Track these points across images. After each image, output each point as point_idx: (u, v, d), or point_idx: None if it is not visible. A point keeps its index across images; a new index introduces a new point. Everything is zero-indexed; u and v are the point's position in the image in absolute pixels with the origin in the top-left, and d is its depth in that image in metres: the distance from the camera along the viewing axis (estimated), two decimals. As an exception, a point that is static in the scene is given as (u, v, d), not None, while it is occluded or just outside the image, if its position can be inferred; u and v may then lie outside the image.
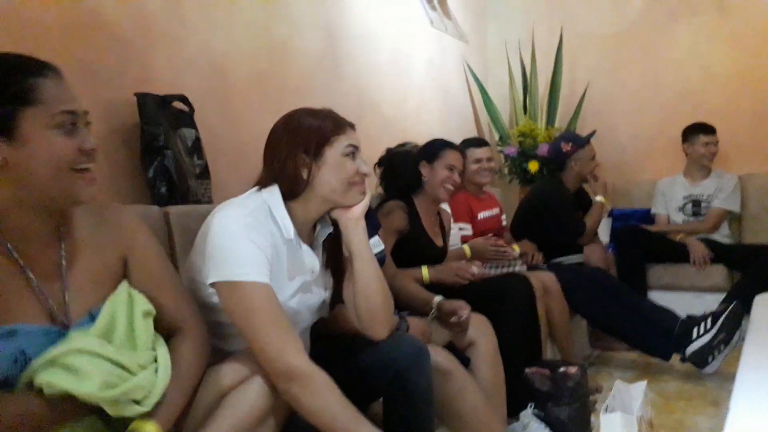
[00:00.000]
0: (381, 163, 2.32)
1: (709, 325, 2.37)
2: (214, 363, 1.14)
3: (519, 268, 2.62)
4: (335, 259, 1.36)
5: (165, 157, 1.77)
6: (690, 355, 2.36)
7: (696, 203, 3.32)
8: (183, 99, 1.88)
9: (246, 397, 1.05)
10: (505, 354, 1.79)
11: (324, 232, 1.34)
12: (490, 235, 2.58)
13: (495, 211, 2.85)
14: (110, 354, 0.92)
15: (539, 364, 1.98)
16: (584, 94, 3.89)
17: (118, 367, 0.92)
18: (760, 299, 2.24)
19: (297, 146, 1.23)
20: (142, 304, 1.04)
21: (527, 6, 4.20)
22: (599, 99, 3.93)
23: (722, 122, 3.38)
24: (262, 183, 1.26)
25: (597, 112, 3.89)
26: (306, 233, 1.30)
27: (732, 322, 2.35)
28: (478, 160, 2.71)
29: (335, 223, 1.33)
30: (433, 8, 3.61)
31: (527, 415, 1.85)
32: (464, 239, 2.59)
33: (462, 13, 4.01)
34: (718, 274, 3.00)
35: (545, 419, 1.86)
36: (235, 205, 1.21)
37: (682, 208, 3.35)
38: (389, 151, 2.38)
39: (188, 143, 1.87)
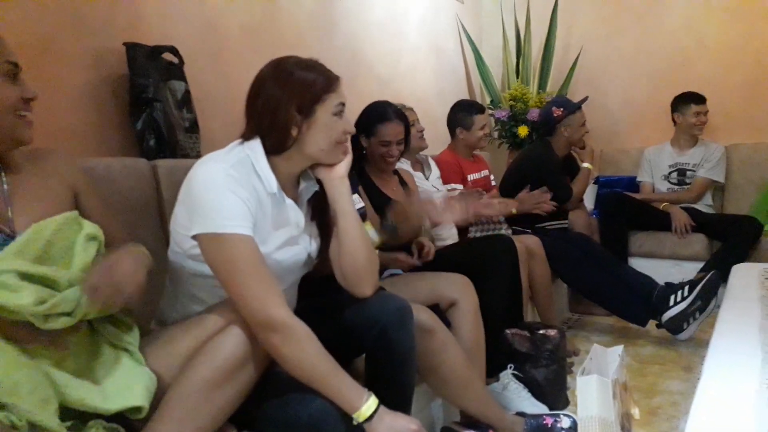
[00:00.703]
0: None
1: (686, 293, 2.43)
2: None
3: (504, 231, 2.67)
4: (321, 214, 1.36)
5: (154, 109, 1.75)
6: (666, 321, 2.43)
7: (682, 172, 3.35)
8: (173, 50, 1.85)
9: (225, 344, 1.06)
10: (487, 315, 1.82)
11: (309, 188, 1.33)
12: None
13: (484, 172, 2.89)
14: (24, 268, 0.94)
15: (519, 326, 2.02)
16: (577, 60, 3.86)
17: (42, 284, 0.95)
18: (737, 269, 2.30)
19: (289, 103, 1.20)
20: (89, 227, 1.07)
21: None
22: (592, 65, 3.91)
23: (712, 93, 3.39)
24: (247, 136, 1.24)
25: (589, 78, 3.88)
26: (289, 187, 1.29)
27: (709, 291, 2.41)
28: (483, 126, 2.77)
29: (320, 181, 1.33)
30: (430, -35, 3.53)
31: (507, 375, 1.91)
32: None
33: (458, -29, 3.94)
34: (699, 243, 3.06)
35: (523, 380, 1.92)
36: (217, 158, 1.20)
37: (667, 177, 3.38)
38: None
39: (178, 96, 1.85)
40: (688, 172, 3.33)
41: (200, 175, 1.15)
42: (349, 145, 1.31)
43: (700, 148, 3.34)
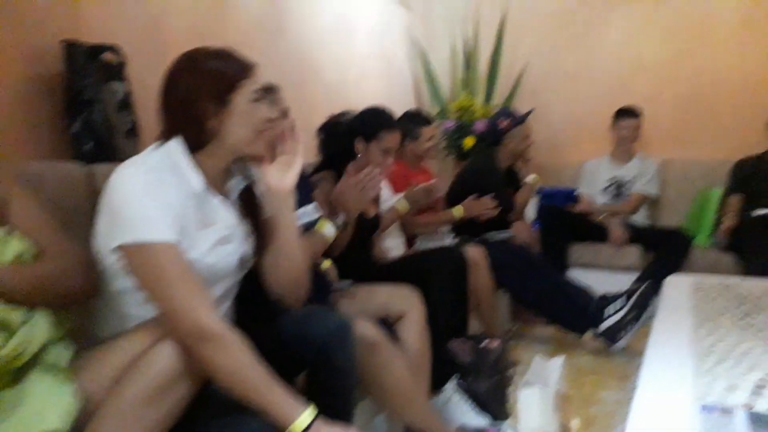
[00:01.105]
0: (323, 129, 2.29)
1: (621, 304, 2.52)
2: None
3: (449, 241, 2.70)
4: (254, 212, 1.32)
5: (92, 111, 1.68)
6: (602, 332, 2.51)
7: (619, 186, 3.48)
8: (114, 50, 1.78)
9: (156, 359, 1.01)
10: (433, 327, 1.84)
11: (238, 184, 1.29)
12: (414, 182, 2.64)
13: (431, 182, 2.90)
14: None
15: (463, 338, 2.04)
16: (522, 74, 3.96)
17: None
18: (670, 281, 2.40)
19: (200, 93, 1.15)
20: (16, 245, 1.01)
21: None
22: (536, 79, 4.01)
23: (649, 109, 3.55)
24: (164, 137, 1.19)
25: (533, 91, 3.98)
26: (217, 185, 1.24)
27: (643, 301, 2.51)
28: (430, 138, 2.78)
29: (247, 175, 1.30)
30: (380, -26, 3.55)
31: (450, 388, 1.92)
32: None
33: (408, -19, 3.97)
34: (634, 254, 3.18)
35: (467, 392, 1.93)
36: (134, 162, 1.14)
37: (605, 190, 3.51)
38: (332, 118, 2.36)
39: (118, 98, 1.77)
40: (625, 186, 3.47)
41: (117, 182, 1.10)
42: (299, 151, 1.29)
43: (636, 162, 3.49)
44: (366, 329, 1.42)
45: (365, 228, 2.14)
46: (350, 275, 1.94)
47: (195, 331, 1.04)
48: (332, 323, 1.25)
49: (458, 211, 2.68)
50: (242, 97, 1.18)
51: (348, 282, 1.86)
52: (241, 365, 1.06)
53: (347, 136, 2.12)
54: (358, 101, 3.24)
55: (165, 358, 1.01)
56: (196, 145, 1.18)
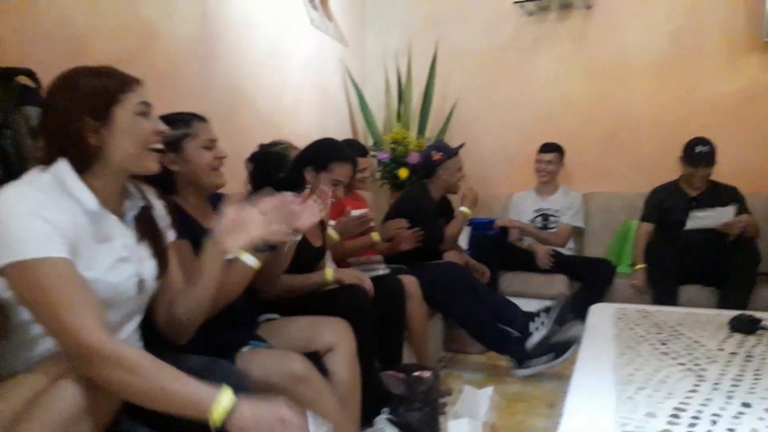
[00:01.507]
0: (253, 158, 2.25)
1: (543, 321, 2.61)
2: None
3: (382, 271, 2.70)
4: (153, 234, 1.28)
5: (3, 137, 1.58)
6: (515, 352, 2.60)
7: (545, 217, 3.61)
8: (29, 73, 1.69)
9: (57, 397, 0.94)
10: (366, 358, 1.81)
11: (134, 205, 1.25)
12: (348, 209, 2.63)
13: (365, 211, 2.91)
14: None
15: (395, 368, 2.03)
16: (454, 108, 4.08)
17: None
18: (594, 309, 2.48)
19: (80, 109, 1.11)
20: None
21: (406, 18, 4.32)
22: (467, 114, 4.14)
23: (573, 144, 3.73)
24: (46, 160, 1.12)
25: (465, 125, 4.09)
26: (112, 206, 1.19)
27: (561, 317, 2.61)
28: (363, 170, 2.79)
29: (144, 196, 1.28)
30: (315, 8, 3.58)
31: (381, 420, 1.89)
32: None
33: (343, 16, 4.03)
34: (560, 283, 3.28)
35: (398, 424, 1.91)
36: (17, 185, 1.07)
37: (532, 221, 3.62)
38: (263, 147, 2.32)
39: (32, 123, 1.68)
40: (551, 217, 3.59)
41: (0, 203, 1.03)
42: (223, 175, 1.27)
43: (561, 194, 3.63)
44: (294, 363, 1.38)
45: (310, 256, 2.11)
46: (288, 306, 1.90)
47: (82, 351, 0.97)
48: (232, 380, 1.16)
49: (375, 235, 2.70)
50: (124, 111, 1.14)
51: (275, 315, 1.81)
52: (140, 377, 1.00)
53: (296, 165, 2.11)
54: (292, 131, 3.24)
55: (67, 395, 0.95)
56: (82, 166, 1.13)
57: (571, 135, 3.83)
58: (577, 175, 3.85)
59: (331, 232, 2.41)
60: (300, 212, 1.57)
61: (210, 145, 1.62)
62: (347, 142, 2.93)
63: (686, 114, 3.72)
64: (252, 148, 2.31)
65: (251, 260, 1.39)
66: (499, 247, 3.38)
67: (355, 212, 2.72)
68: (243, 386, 1.17)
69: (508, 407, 2.37)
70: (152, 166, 1.20)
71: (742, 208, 3.05)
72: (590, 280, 3.18)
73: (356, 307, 1.87)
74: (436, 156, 3.09)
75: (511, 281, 3.38)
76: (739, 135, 3.61)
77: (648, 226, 3.27)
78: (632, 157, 3.82)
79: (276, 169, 2.20)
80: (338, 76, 3.97)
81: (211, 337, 1.39)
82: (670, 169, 3.51)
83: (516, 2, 3.91)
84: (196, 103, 2.46)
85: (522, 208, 3.68)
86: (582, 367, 1.76)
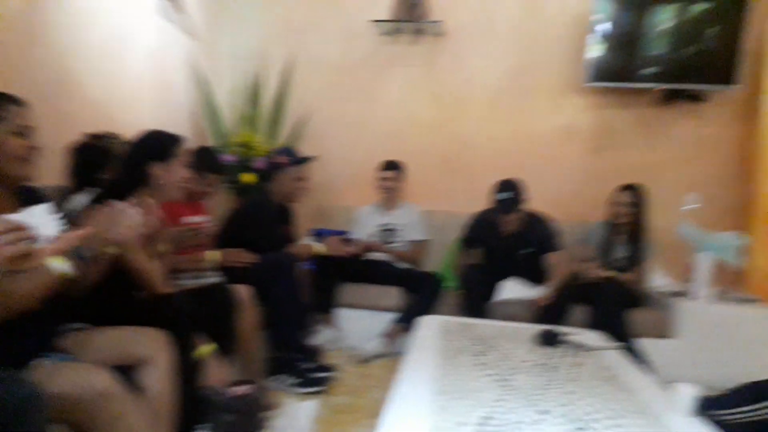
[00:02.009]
0: (75, 151, 2.07)
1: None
2: None
3: (214, 279, 2.60)
4: None
5: None
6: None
7: (388, 231, 3.72)
8: None
9: None
10: (188, 371, 1.72)
11: None
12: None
13: (203, 218, 2.77)
14: None
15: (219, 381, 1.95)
16: (308, 118, 4.07)
17: None
18: (422, 320, 2.60)
19: None
20: None
21: (263, 20, 4.24)
22: (321, 125, 4.15)
23: (416, 163, 3.90)
24: None
25: (318, 136, 4.09)
26: None
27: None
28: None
29: None
30: (163, -4, 3.38)
31: (200, 434, 1.81)
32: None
33: (196, 10, 3.85)
34: (395, 295, 3.39)
35: (218, 439, 1.84)
36: None
37: (376, 235, 3.72)
38: (89, 137, 2.14)
39: None
40: (395, 231, 3.71)
41: None
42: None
43: (403, 210, 3.77)
44: (95, 377, 1.26)
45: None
46: (99, 315, 1.74)
47: None
48: (20, 393, 1.07)
49: (214, 255, 2.62)
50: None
51: (80, 324, 1.65)
52: None
53: (137, 164, 1.94)
54: (126, 122, 3.01)
55: None
56: None
57: (415, 154, 4.01)
58: (419, 193, 4.02)
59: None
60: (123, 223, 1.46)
61: (23, 131, 1.45)
62: (202, 151, 2.79)
63: (515, 145, 4.08)
64: (77, 135, 2.10)
65: (59, 267, 1.27)
66: (339, 259, 3.41)
67: (190, 220, 2.61)
68: (34, 400, 1.05)
69: (333, 419, 2.36)
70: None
71: (550, 242, 3.35)
72: (421, 293, 3.32)
73: (173, 317, 1.77)
74: (281, 159, 3.06)
75: (349, 293, 3.42)
76: (558, 168, 4.04)
77: (467, 252, 3.49)
78: (467, 180, 4.08)
79: (98, 165, 2.04)
80: (184, 71, 3.78)
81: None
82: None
83: (371, 20, 4.01)
84: (16, 84, 2.19)
85: (366, 221, 3.76)
86: (404, 378, 1.83)
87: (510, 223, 3.29)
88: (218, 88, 4.12)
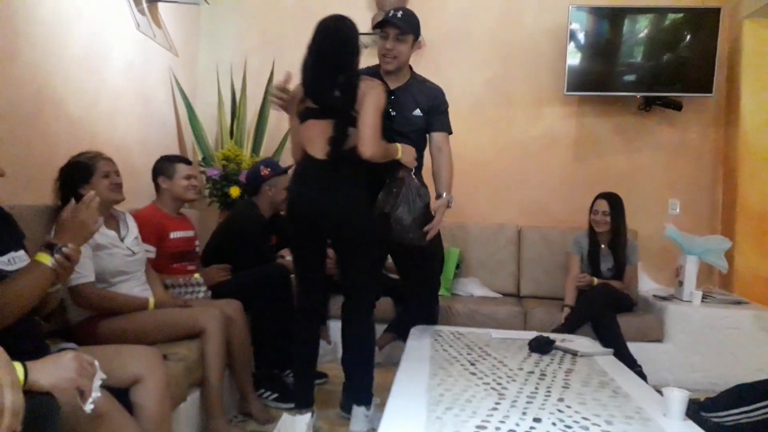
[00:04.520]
0: (60, 171, 2.08)
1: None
2: None
3: (203, 294, 2.57)
4: None
5: None
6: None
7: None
8: None
9: None
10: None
11: None
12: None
13: (189, 233, 2.75)
14: None
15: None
16: (290, 130, 4.04)
17: None
18: (414, 330, 2.59)
19: None
20: None
21: (241, 33, 4.24)
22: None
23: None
24: None
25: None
26: None
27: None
28: (188, 177, 2.65)
29: None
30: (142, 12, 3.35)
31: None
32: (149, 262, 2.41)
33: (175, 25, 3.83)
34: (386, 306, 3.34)
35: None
36: None
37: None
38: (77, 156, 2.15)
39: None
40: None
41: None
42: None
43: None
44: (97, 393, 1.23)
45: None
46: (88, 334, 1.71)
47: None
48: (37, 403, 1.06)
49: (196, 276, 2.62)
50: None
51: (72, 344, 1.62)
52: None
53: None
54: (107, 138, 2.97)
55: None
56: None
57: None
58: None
59: (150, 300, 2.27)
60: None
61: None
62: (160, 157, 2.77)
63: (498, 153, 4.11)
64: (60, 154, 2.09)
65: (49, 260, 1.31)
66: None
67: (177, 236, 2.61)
68: (49, 407, 1.09)
69: (331, 431, 2.35)
70: None
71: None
72: (413, 303, 3.30)
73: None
74: (264, 171, 3.06)
75: (338, 305, 3.39)
76: (540, 176, 4.08)
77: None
78: (454, 190, 4.08)
79: (82, 179, 2.04)
80: (165, 86, 3.75)
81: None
82: (482, 202, 3.84)
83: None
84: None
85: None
86: (398, 389, 1.82)
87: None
88: (200, 102, 4.10)
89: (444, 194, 2.53)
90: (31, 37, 2.43)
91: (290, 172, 3.10)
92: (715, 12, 3.66)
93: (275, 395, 2.65)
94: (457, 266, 3.76)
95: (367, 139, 2.13)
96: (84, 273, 1.97)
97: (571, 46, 3.81)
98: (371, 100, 2.15)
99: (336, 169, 2.18)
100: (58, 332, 2.06)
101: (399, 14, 2.37)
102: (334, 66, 2.16)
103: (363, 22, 4.00)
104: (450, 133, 2.58)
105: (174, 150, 3.82)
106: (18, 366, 1.03)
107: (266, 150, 4.00)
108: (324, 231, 2.26)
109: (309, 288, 2.39)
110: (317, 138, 2.20)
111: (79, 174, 2.08)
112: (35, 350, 1.37)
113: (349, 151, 2.14)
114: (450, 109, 3.93)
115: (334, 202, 2.18)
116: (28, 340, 1.39)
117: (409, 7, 3.90)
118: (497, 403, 1.66)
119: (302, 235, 2.29)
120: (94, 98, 2.91)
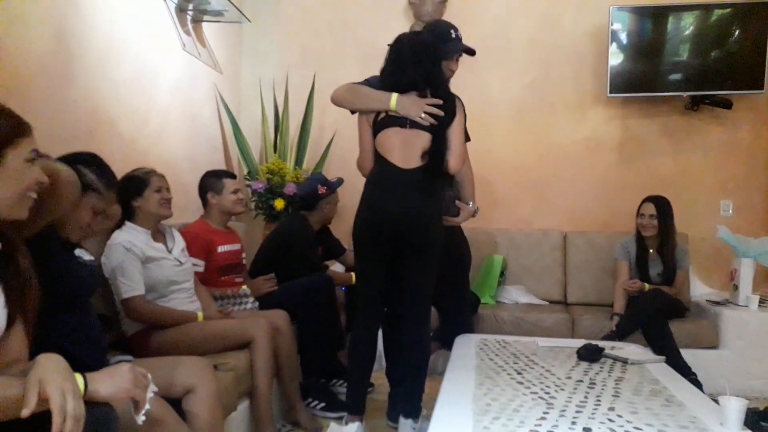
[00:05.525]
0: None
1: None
2: None
3: (251, 305, 2.63)
4: (8, 280, 1.17)
5: None
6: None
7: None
8: None
9: None
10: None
11: None
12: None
13: (237, 246, 2.82)
14: None
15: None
16: (331, 141, 4.11)
17: None
18: (459, 340, 2.58)
19: None
20: None
21: (283, 48, 4.33)
22: (344, 147, 4.17)
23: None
24: None
25: (342, 159, 4.13)
26: None
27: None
28: (236, 191, 2.74)
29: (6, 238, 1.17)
30: (188, 33, 3.47)
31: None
32: (198, 276, 2.48)
33: (218, 43, 3.95)
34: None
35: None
36: None
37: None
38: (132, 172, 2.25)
39: None
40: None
41: None
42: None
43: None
44: (148, 404, 1.28)
45: None
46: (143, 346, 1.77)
47: None
48: (97, 412, 1.11)
49: (244, 287, 2.71)
50: (18, 155, 1.11)
51: (128, 357, 1.69)
52: None
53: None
54: (157, 155, 3.08)
55: None
56: None
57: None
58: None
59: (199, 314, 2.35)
60: None
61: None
62: (206, 172, 2.85)
63: (540, 158, 4.06)
64: (115, 172, 2.17)
65: None
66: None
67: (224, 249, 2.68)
68: (108, 418, 1.14)
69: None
70: (24, 213, 1.16)
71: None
72: (455, 312, 3.30)
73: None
74: (322, 190, 3.17)
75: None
76: (585, 180, 4.01)
77: None
78: (493, 195, 4.06)
79: (136, 192, 2.13)
80: (211, 103, 3.87)
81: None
82: (525, 208, 3.80)
83: (388, 44, 4.05)
84: (51, 125, 2.27)
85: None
86: (444, 399, 1.82)
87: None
88: (245, 118, 4.20)
89: (470, 203, 2.61)
90: (85, 61, 2.55)
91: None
92: (765, 6, 3.54)
93: (323, 404, 2.68)
94: (501, 273, 3.72)
95: (460, 155, 2.27)
96: (133, 285, 2.05)
97: (613, 47, 3.75)
98: (461, 118, 2.28)
99: (424, 179, 2.23)
100: (115, 344, 2.14)
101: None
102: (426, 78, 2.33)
103: (399, 29, 4.04)
104: (468, 140, 2.59)
105: (221, 165, 3.93)
106: (78, 377, 1.07)
107: (309, 162, 4.07)
108: (404, 238, 2.25)
109: (372, 296, 2.37)
110: (401, 147, 2.25)
111: (133, 187, 2.17)
112: (97, 363, 1.43)
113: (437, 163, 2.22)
114: (490, 115, 3.91)
115: (421, 210, 2.22)
116: (92, 353, 1.45)
117: (446, 15, 3.94)
118: (545, 413, 1.64)
119: (374, 242, 2.29)
120: (144, 117, 3.02)
